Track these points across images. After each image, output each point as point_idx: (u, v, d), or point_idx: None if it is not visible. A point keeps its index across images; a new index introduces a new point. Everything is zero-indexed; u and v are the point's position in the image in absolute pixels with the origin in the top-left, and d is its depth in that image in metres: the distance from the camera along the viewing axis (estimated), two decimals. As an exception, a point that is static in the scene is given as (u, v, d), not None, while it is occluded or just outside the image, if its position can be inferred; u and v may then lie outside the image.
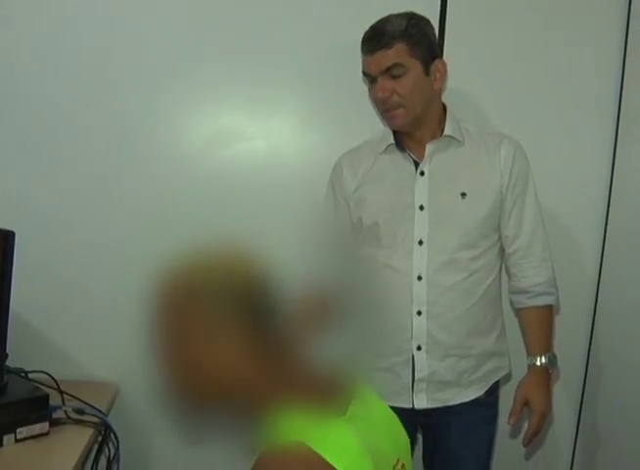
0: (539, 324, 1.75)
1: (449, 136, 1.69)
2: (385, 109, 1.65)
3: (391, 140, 1.72)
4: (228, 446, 1.77)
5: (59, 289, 1.94)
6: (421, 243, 1.67)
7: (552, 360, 1.72)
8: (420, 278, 1.66)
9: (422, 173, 1.69)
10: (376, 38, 1.59)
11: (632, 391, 1.91)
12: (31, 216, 1.89)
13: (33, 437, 1.58)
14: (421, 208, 1.68)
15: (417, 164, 1.69)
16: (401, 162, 1.72)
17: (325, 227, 1.73)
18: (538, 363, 1.71)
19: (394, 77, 1.59)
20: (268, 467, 1.00)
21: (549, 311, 1.76)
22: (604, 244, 2.05)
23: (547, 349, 1.73)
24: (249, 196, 1.94)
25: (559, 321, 2.06)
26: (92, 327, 1.96)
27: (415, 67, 1.60)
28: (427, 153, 1.69)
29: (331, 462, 1.00)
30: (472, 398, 1.72)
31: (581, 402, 2.13)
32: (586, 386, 2.12)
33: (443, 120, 1.71)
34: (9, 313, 1.56)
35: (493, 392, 1.76)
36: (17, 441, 1.55)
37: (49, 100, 1.92)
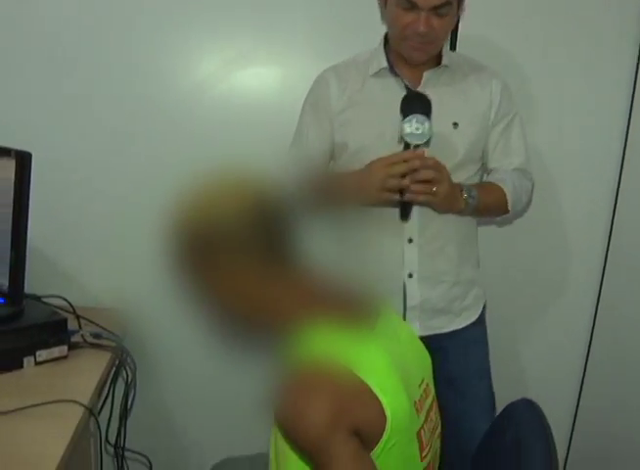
0: (487, 186, 1.68)
1: (445, 66, 1.65)
2: (415, 41, 1.56)
3: (385, 63, 1.66)
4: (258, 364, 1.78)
5: (72, 216, 1.93)
6: None
7: (471, 193, 1.58)
8: None
9: None
10: None
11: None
12: (46, 143, 1.83)
13: (52, 360, 1.59)
14: None
15: (409, 91, 1.63)
16: (393, 87, 1.65)
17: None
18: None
19: (440, 16, 1.52)
20: (300, 383, 1.00)
21: (502, 195, 1.65)
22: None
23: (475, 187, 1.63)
24: (260, 125, 1.91)
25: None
26: (105, 255, 1.95)
27: (455, 5, 1.54)
28: (423, 81, 1.64)
29: (362, 377, 1.01)
30: (464, 325, 1.75)
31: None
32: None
33: (440, 50, 1.66)
34: (27, 236, 1.55)
35: (482, 314, 1.79)
36: (36, 363, 1.57)
37: (63, 36, 1.88)
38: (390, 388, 1.04)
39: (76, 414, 1.38)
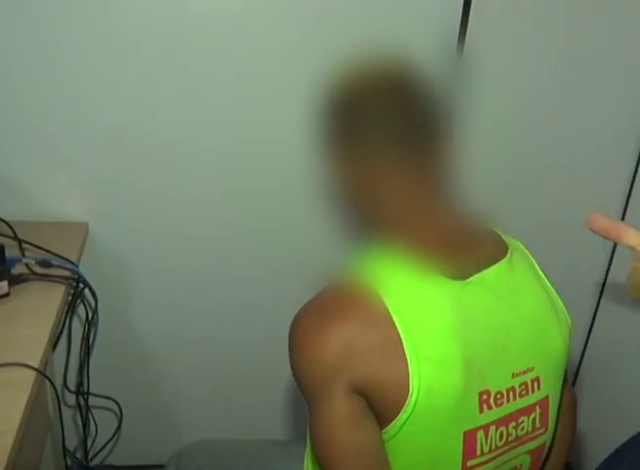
0: None
1: None
2: None
3: None
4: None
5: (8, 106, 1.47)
6: None
7: None
8: None
9: None
10: None
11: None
12: None
13: (-10, 300, 1.25)
14: None
15: None
16: None
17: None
18: None
19: None
20: (321, 305, 0.84)
21: None
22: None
23: None
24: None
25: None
26: (52, 152, 1.52)
27: None
28: None
29: (398, 327, 0.78)
30: None
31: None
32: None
33: None
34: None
35: None
36: (-32, 307, 1.23)
37: None
38: (434, 355, 0.79)
39: (27, 380, 1.07)
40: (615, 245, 1.84)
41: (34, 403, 1.29)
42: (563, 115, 1.68)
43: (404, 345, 0.78)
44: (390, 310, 0.79)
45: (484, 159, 1.66)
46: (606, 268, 1.88)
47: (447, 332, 0.81)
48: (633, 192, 1.77)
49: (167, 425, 1.87)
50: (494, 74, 1.59)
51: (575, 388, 2.02)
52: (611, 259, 1.87)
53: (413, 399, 0.78)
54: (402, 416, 0.79)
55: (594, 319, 1.94)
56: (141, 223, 1.60)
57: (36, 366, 1.09)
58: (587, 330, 1.96)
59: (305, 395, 0.84)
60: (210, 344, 1.77)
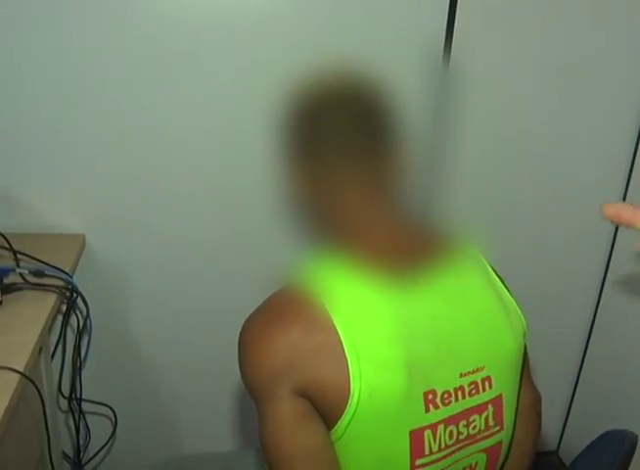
0: None
1: None
2: None
3: None
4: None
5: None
6: None
7: None
8: None
9: None
10: None
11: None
12: None
13: (-17, 309, 1.29)
14: None
15: None
16: None
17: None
18: None
19: None
20: (266, 311, 0.89)
21: None
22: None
23: None
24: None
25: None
26: (49, 165, 1.57)
27: None
28: None
29: (339, 331, 0.81)
30: None
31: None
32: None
33: None
34: None
35: None
36: (-38, 316, 1.27)
37: None
38: (375, 357, 0.81)
39: (11, 383, 1.10)
40: (612, 245, 1.84)
41: (27, 409, 1.34)
42: (551, 124, 1.69)
43: (345, 347, 0.80)
44: (332, 316, 0.82)
45: (473, 170, 1.67)
46: (603, 274, 1.88)
47: (389, 337, 0.83)
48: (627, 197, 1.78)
49: (163, 431, 1.89)
50: (481, 84, 1.61)
51: (578, 384, 2.02)
52: (608, 261, 1.87)
53: (355, 400, 0.80)
54: (346, 417, 0.81)
55: (594, 318, 1.95)
56: (137, 234, 1.64)
57: (21, 370, 1.13)
58: (589, 328, 1.96)
59: (253, 397, 0.87)
60: (207, 350, 1.79)
